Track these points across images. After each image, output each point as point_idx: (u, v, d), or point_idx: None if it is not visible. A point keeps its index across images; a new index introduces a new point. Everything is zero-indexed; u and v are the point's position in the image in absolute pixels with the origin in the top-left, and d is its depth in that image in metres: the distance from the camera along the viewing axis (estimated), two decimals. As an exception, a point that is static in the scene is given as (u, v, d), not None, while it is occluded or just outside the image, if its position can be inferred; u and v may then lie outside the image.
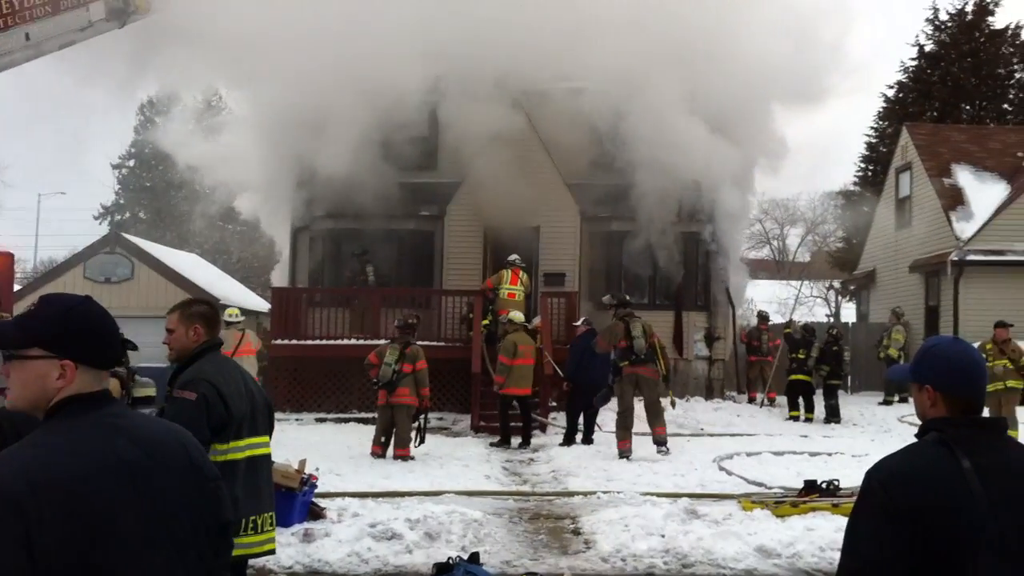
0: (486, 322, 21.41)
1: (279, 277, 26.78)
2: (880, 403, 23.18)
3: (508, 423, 17.53)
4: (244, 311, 28.31)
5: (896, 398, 23.23)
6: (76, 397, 2.59)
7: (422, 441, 15.52)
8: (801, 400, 21.11)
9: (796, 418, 20.88)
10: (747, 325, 26.24)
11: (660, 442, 15.66)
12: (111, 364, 2.73)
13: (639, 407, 15.77)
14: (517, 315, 18.52)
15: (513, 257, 21.74)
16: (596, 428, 17.64)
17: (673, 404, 17.06)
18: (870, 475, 3.07)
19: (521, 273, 21.59)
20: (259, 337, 20.15)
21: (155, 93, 52.23)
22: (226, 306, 21.25)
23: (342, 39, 21.95)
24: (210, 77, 30.48)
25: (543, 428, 19.14)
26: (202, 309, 5.54)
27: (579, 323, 18.39)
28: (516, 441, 17.34)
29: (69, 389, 2.60)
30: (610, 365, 16.21)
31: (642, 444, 17.13)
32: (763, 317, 25.22)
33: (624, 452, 15.21)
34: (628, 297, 17.59)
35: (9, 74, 16.04)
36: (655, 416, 15.72)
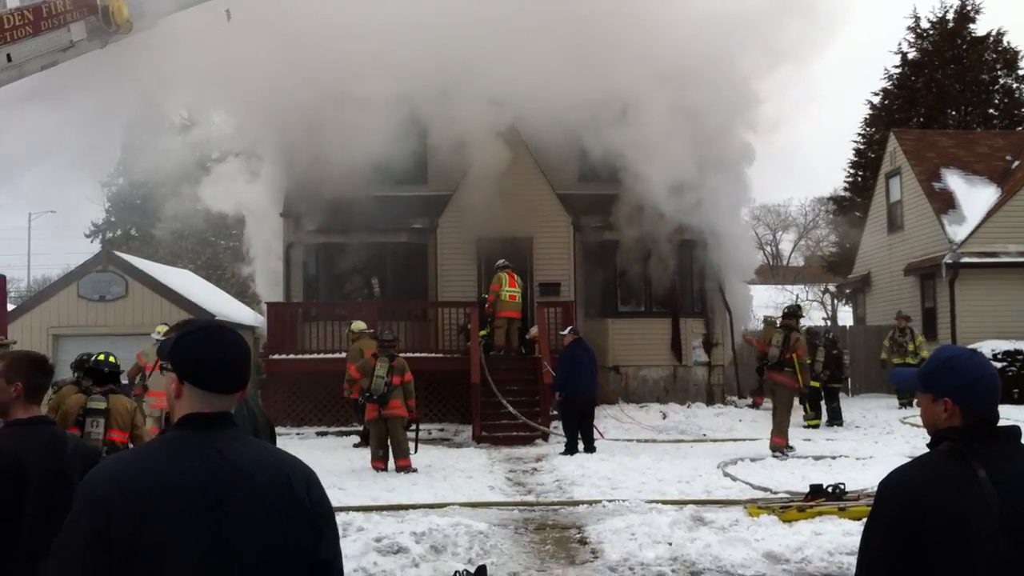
0: (484, 332, 21.41)
1: (268, 290, 26.68)
2: (901, 407, 22.90)
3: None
4: (241, 326, 28.23)
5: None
6: (190, 416, 2.81)
7: (415, 451, 15.64)
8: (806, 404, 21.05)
9: (816, 426, 20.57)
10: (746, 329, 26.10)
11: (773, 448, 16.30)
12: (221, 388, 2.85)
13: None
14: (359, 323, 19.12)
15: (503, 261, 21.87)
16: (597, 435, 17.61)
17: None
18: (884, 485, 3.05)
19: (515, 275, 21.77)
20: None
21: (141, 111, 52.23)
22: (221, 322, 21.14)
23: (330, 51, 21.95)
24: (196, 92, 30.41)
25: (545, 437, 19.12)
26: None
27: (566, 332, 18.35)
28: None
29: (184, 407, 2.83)
30: (594, 374, 17.60)
31: (646, 450, 17.14)
32: (771, 323, 24.91)
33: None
34: (796, 309, 18.36)
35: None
36: (775, 423, 16.53)
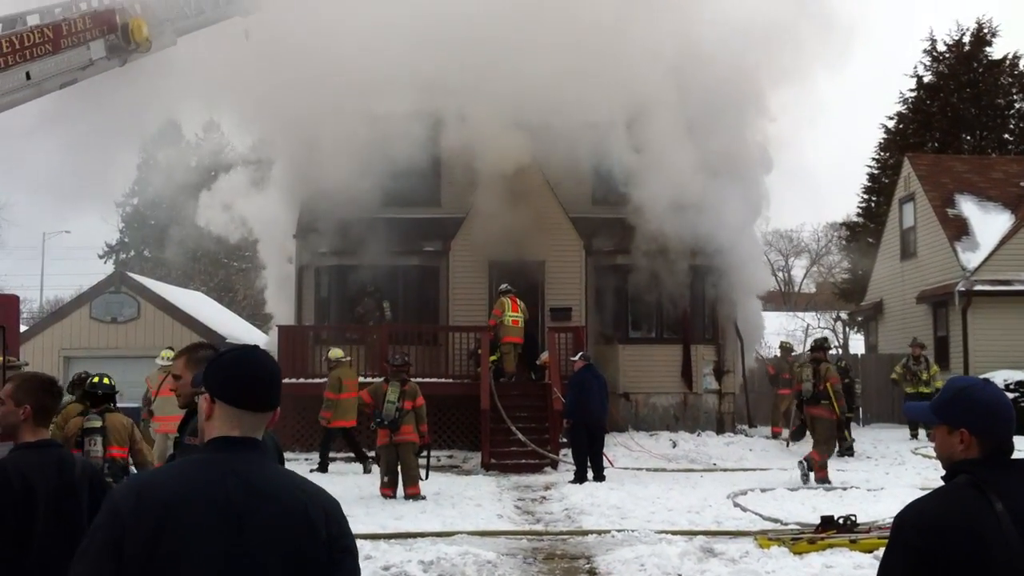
0: (494, 358, 21.36)
1: (281, 312, 26.66)
2: (912, 437, 22.76)
3: (328, 453, 18.72)
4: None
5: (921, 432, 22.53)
6: (218, 439, 2.89)
7: (426, 477, 15.55)
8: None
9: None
10: (764, 356, 25.92)
11: (819, 481, 16.25)
12: (251, 405, 2.93)
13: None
14: (336, 351, 19.42)
15: (506, 286, 21.87)
16: (607, 463, 17.52)
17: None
18: (901, 518, 3.02)
19: (518, 300, 21.75)
20: None
21: (156, 131, 52.56)
22: (233, 344, 21.17)
23: (345, 73, 22.05)
24: (212, 113, 30.61)
25: (554, 465, 19.03)
26: (208, 354, 5.46)
27: (577, 358, 18.26)
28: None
29: (214, 428, 2.91)
30: (604, 400, 17.57)
31: (656, 479, 17.06)
32: (787, 348, 24.63)
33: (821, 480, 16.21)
34: (823, 342, 18.23)
35: (11, 113, 16.04)
36: (819, 447, 16.62)
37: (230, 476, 2.76)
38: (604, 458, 17.47)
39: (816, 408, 16.65)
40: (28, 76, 15.71)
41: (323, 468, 18.42)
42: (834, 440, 17.04)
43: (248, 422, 2.90)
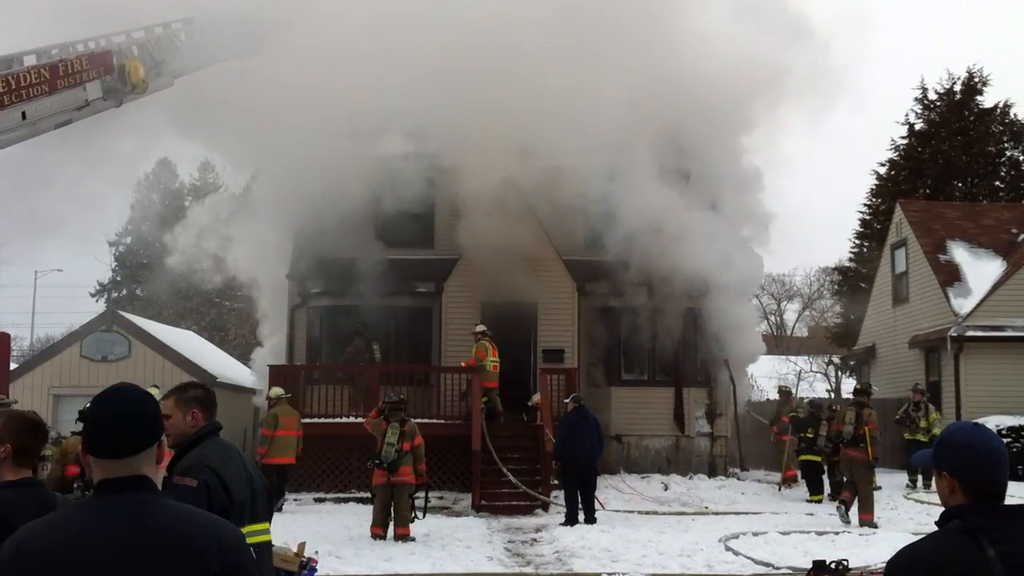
0: (486, 399, 21.31)
1: (270, 353, 26.57)
2: (909, 483, 22.42)
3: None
4: (241, 388, 28.16)
5: (920, 480, 22.21)
6: (100, 482, 2.81)
7: (423, 517, 15.44)
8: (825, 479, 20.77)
9: (819, 502, 20.22)
10: (757, 414, 25.71)
11: (862, 523, 16.45)
12: (104, 453, 2.83)
13: None
14: (277, 390, 19.71)
15: (483, 328, 21.96)
16: (598, 506, 17.41)
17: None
18: (892, 564, 3.01)
19: (493, 343, 21.90)
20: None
21: (150, 171, 52.79)
22: (225, 384, 21.12)
23: (340, 116, 22.17)
24: (206, 154, 30.75)
25: (545, 507, 18.92)
26: (198, 393, 5.43)
27: (568, 400, 18.22)
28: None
29: (96, 473, 2.83)
30: (600, 441, 17.46)
31: (648, 522, 16.97)
32: (786, 392, 24.52)
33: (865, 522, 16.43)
34: (867, 387, 18.72)
35: (5, 152, 16.07)
36: (848, 487, 17.02)
37: (111, 517, 2.70)
38: (596, 501, 17.37)
39: (855, 451, 16.91)
40: (24, 116, 15.77)
41: None
42: (871, 483, 17.34)
43: (117, 466, 2.80)
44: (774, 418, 23.58)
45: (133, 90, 17.96)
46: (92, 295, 55.43)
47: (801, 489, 21.29)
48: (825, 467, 20.78)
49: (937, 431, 21.03)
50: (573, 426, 17.19)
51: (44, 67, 16.23)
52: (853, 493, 16.74)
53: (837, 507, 16.91)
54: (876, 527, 16.13)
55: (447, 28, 21.30)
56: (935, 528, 3.07)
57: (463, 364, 21.92)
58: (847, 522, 16.36)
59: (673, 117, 22.81)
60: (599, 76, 21.89)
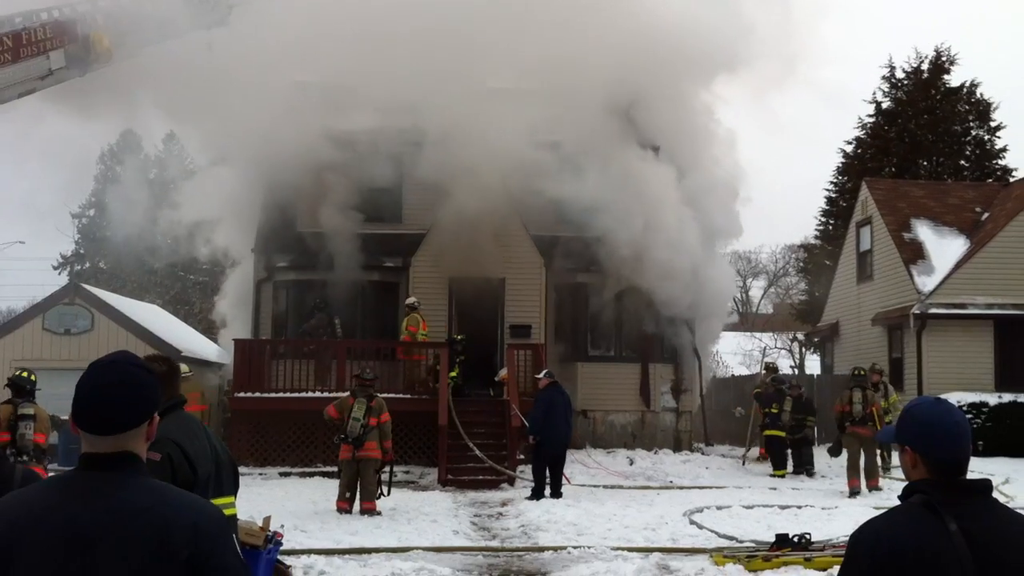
0: (454, 374, 21.33)
1: (239, 327, 26.41)
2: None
3: None
4: (206, 363, 27.98)
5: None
6: (82, 455, 2.73)
7: (387, 493, 15.42)
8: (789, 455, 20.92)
9: (783, 476, 20.43)
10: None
11: (872, 487, 17.92)
12: (83, 426, 2.72)
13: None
14: (184, 367, 19.55)
15: (414, 300, 22.32)
16: (564, 480, 17.49)
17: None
18: (856, 538, 3.02)
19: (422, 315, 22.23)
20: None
21: (115, 142, 52.18)
22: (190, 358, 20.97)
23: (307, 86, 22.00)
24: (171, 124, 30.41)
25: (511, 481, 18.98)
26: (159, 367, 5.37)
27: (541, 375, 18.25)
28: None
29: (83, 446, 2.74)
30: (569, 418, 17.92)
31: (613, 496, 17.08)
32: (774, 369, 23.96)
33: (853, 490, 17.68)
34: (861, 372, 19.59)
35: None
36: (870, 470, 18.23)
37: (82, 496, 2.62)
38: (563, 476, 17.47)
39: (863, 428, 17.98)
40: (-15, 84, 15.53)
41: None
42: (877, 455, 18.68)
43: (105, 441, 2.70)
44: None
45: (98, 59, 17.69)
46: (55, 268, 54.82)
47: (765, 464, 21.49)
48: (789, 442, 20.93)
49: (896, 412, 21.00)
50: (551, 402, 17.23)
51: (7, 35, 15.97)
52: (858, 477, 17.85)
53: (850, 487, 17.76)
54: (880, 490, 17.61)
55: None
56: (898, 503, 3.08)
57: (405, 339, 22.11)
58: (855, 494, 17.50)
59: (635, 85, 22.86)
60: (568, 44, 21.83)
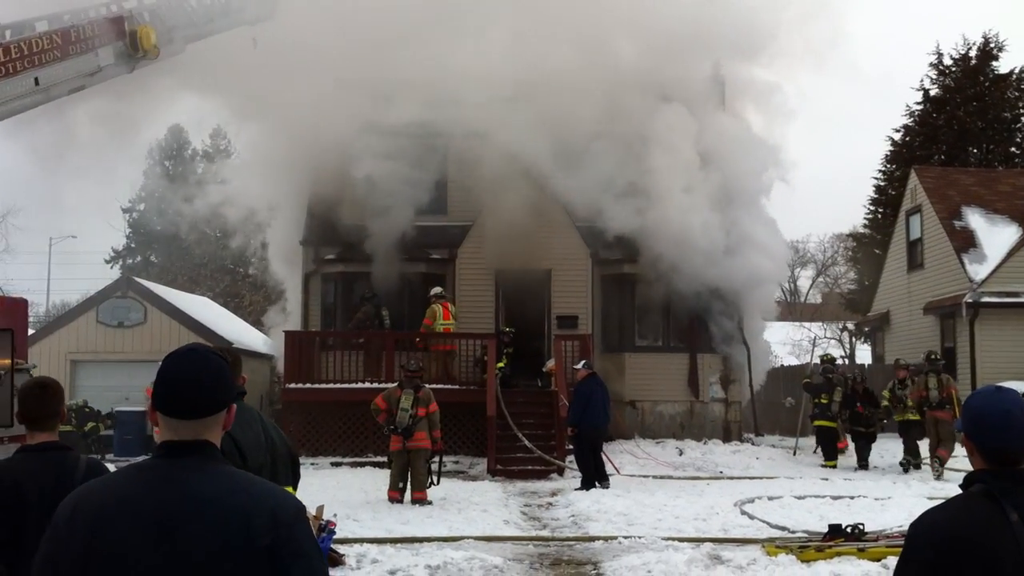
0: (501, 364, 21.38)
1: (291, 320, 26.65)
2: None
3: None
4: (256, 355, 28.27)
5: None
6: (161, 444, 2.78)
7: (437, 483, 15.52)
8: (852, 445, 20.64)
9: (834, 467, 20.21)
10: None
11: (940, 461, 18.73)
12: (167, 411, 2.76)
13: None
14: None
15: (439, 290, 22.34)
16: (612, 471, 17.49)
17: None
18: (915, 527, 2.99)
19: (450, 306, 22.26)
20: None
21: (163, 137, 52.81)
22: (240, 350, 21.20)
23: (355, 82, 22.13)
24: (220, 120, 30.78)
25: (560, 471, 19.01)
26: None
27: (579, 367, 18.22)
28: None
29: (160, 434, 2.80)
30: (607, 409, 17.68)
31: (662, 487, 17.04)
32: (830, 360, 22.83)
33: (941, 460, 18.68)
34: (936, 357, 20.56)
35: (18, 118, 16.08)
36: (945, 444, 18.90)
37: (164, 483, 2.67)
38: (610, 464, 17.46)
39: (942, 412, 18.81)
40: (37, 82, 15.76)
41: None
42: (954, 439, 18.58)
43: (186, 427, 2.75)
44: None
45: (145, 56, 17.91)
46: (107, 262, 55.60)
47: (816, 455, 21.33)
48: (850, 436, 20.66)
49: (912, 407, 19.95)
50: (590, 393, 17.25)
51: (56, 32, 16.21)
52: (949, 451, 18.64)
53: (932, 463, 18.73)
54: (948, 459, 18.54)
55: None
56: (953, 492, 3.06)
57: (422, 331, 22.30)
58: (939, 476, 18.26)
59: (679, 74, 22.82)
60: (609, 34, 21.84)
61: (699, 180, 22.85)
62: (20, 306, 15.42)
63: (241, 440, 5.07)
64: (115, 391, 25.02)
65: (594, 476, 16.95)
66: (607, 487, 16.69)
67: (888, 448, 21.77)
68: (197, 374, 2.80)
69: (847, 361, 43.86)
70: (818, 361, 23.83)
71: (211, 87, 22.81)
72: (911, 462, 19.88)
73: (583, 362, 18.50)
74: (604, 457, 17.52)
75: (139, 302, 27.21)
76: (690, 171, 22.82)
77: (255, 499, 2.70)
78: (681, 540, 11.76)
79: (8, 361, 12.74)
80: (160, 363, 2.83)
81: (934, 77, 42.33)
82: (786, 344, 48.16)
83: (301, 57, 21.16)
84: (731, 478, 18.70)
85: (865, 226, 44.62)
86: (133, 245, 55.91)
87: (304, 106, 21.79)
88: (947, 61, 42.14)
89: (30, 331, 24.01)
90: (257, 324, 36.79)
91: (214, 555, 2.61)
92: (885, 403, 20.63)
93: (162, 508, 2.62)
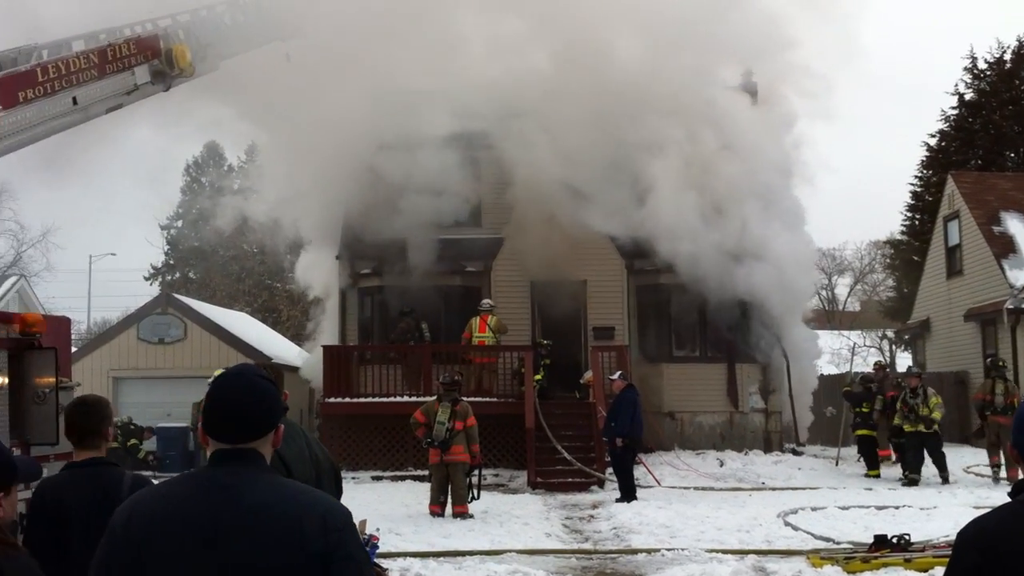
0: (539, 377, 21.36)
1: (327, 335, 26.79)
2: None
3: None
4: (294, 369, 28.43)
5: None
6: (212, 453, 2.86)
7: (477, 497, 15.49)
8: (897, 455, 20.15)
9: (877, 476, 19.97)
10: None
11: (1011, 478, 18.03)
12: (216, 435, 2.85)
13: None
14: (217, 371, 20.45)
15: (485, 303, 22.45)
16: (654, 482, 17.42)
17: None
18: (963, 533, 2.99)
19: (489, 318, 22.23)
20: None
21: (199, 153, 53.35)
22: (277, 365, 21.33)
23: (386, 95, 22.25)
24: (255, 135, 31.03)
25: (600, 483, 18.94)
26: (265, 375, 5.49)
27: (615, 377, 18.10)
28: None
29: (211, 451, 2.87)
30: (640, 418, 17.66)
31: (704, 498, 16.96)
32: (883, 366, 22.64)
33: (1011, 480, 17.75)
34: (1003, 363, 20.94)
35: (58, 138, 16.26)
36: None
37: (216, 490, 2.74)
38: (651, 476, 17.39)
39: (1004, 418, 18.67)
40: (75, 101, 15.92)
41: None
42: None
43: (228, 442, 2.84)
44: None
45: (180, 74, 18.06)
46: (146, 278, 56.10)
47: (859, 465, 21.10)
48: (891, 445, 20.41)
49: (938, 415, 19.16)
50: (635, 403, 17.25)
51: (92, 52, 16.36)
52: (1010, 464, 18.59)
53: (992, 469, 19.02)
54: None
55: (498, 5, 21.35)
56: (998, 501, 3.04)
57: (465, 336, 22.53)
58: (997, 481, 18.39)
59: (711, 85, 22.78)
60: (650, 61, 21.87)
61: (734, 189, 22.72)
62: (64, 324, 15.55)
63: (286, 455, 5.11)
64: (157, 407, 25.23)
65: (634, 487, 16.88)
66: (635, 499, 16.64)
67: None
68: (245, 400, 2.87)
69: (889, 370, 43.32)
70: (871, 369, 23.22)
71: (245, 103, 22.99)
72: (911, 478, 18.93)
73: (619, 373, 18.43)
74: (645, 468, 17.47)
75: (179, 318, 27.45)
76: (725, 179, 22.71)
77: (305, 506, 2.76)
78: (725, 552, 11.71)
79: (53, 379, 12.85)
80: (206, 383, 2.95)
81: (968, 81, 41.94)
82: (825, 352, 47.74)
83: (334, 71, 21.30)
84: (773, 489, 18.55)
85: (903, 233, 44.23)
86: (171, 262, 56.42)
87: (337, 120, 21.92)
88: (981, 65, 41.74)
89: (72, 349, 24.28)
90: (295, 339, 36.99)
91: (266, 561, 2.66)
92: (896, 421, 19.60)
93: (214, 515, 2.69)
